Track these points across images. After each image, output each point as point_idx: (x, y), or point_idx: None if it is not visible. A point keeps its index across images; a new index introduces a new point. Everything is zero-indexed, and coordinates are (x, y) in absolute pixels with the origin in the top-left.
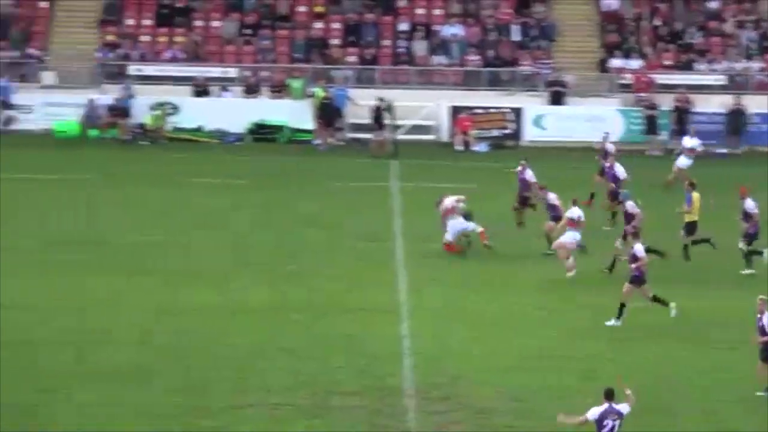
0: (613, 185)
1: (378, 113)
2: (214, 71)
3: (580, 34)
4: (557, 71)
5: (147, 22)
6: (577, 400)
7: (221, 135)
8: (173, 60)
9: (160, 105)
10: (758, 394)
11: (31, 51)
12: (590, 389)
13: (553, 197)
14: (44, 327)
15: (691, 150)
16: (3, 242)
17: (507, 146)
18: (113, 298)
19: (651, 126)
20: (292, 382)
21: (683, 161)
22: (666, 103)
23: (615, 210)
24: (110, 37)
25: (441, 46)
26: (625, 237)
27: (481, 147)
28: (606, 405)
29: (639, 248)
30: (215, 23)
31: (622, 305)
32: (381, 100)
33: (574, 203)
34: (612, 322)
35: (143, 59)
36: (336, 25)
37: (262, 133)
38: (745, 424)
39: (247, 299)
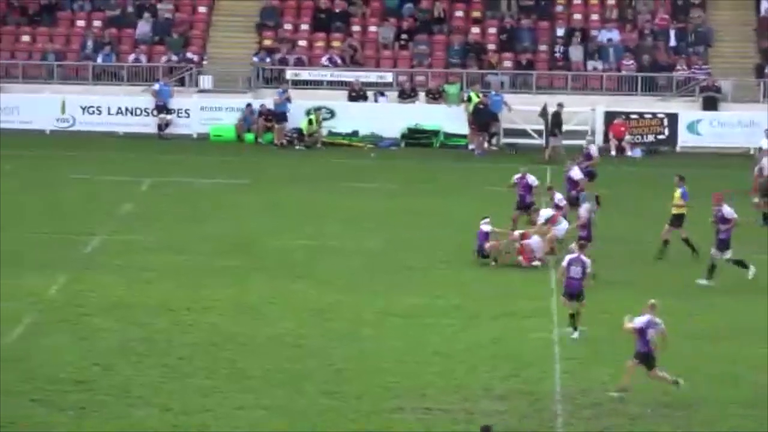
0: (572, 190)
1: (557, 119)
2: (371, 76)
3: (737, 39)
4: (712, 76)
5: (304, 26)
6: (730, 411)
7: (376, 140)
8: (330, 65)
9: (316, 109)
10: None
11: (189, 55)
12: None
13: (559, 198)
14: (193, 328)
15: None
16: (155, 245)
17: (661, 152)
18: (265, 302)
19: None
20: (444, 387)
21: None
22: None
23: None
24: (267, 42)
25: (597, 51)
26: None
27: (635, 152)
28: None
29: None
30: (372, 28)
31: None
32: (560, 105)
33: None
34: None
35: (300, 64)
36: (492, 30)
37: (417, 138)
38: None
39: (398, 303)
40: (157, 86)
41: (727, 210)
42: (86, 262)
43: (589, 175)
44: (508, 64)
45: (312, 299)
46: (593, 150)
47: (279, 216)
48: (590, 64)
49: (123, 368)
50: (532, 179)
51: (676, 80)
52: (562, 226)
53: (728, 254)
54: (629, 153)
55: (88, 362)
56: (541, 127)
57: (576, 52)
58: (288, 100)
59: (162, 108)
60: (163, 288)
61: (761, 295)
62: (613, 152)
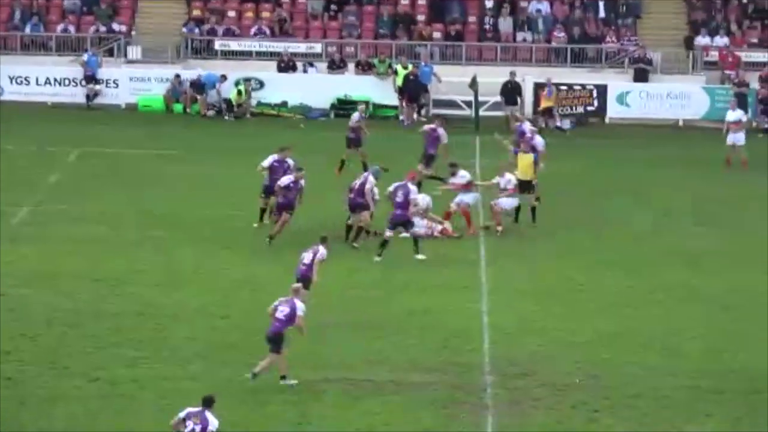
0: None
1: (507, 89)
2: (300, 47)
3: (667, 11)
4: (642, 48)
5: None
6: (653, 376)
7: (305, 110)
8: (259, 35)
9: (245, 80)
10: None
11: (118, 26)
12: (672, 366)
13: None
14: (121, 299)
15: (736, 123)
16: (85, 216)
17: (591, 123)
18: (192, 272)
19: (740, 104)
20: (371, 358)
21: (732, 137)
22: (752, 80)
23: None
24: (196, 12)
25: (526, 23)
26: None
27: (564, 124)
28: None
29: None
30: None
31: None
32: (512, 74)
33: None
34: None
35: (229, 34)
36: (422, 1)
37: (346, 108)
38: None
39: (327, 274)
40: (85, 57)
41: (413, 191)
42: (13, 233)
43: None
44: (437, 35)
45: (238, 270)
46: (526, 128)
47: (207, 187)
48: (520, 35)
49: (50, 339)
50: (442, 132)
51: (606, 52)
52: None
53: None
54: (558, 124)
55: (15, 333)
56: (471, 98)
57: (505, 24)
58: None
59: (90, 78)
60: (91, 259)
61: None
62: (543, 123)
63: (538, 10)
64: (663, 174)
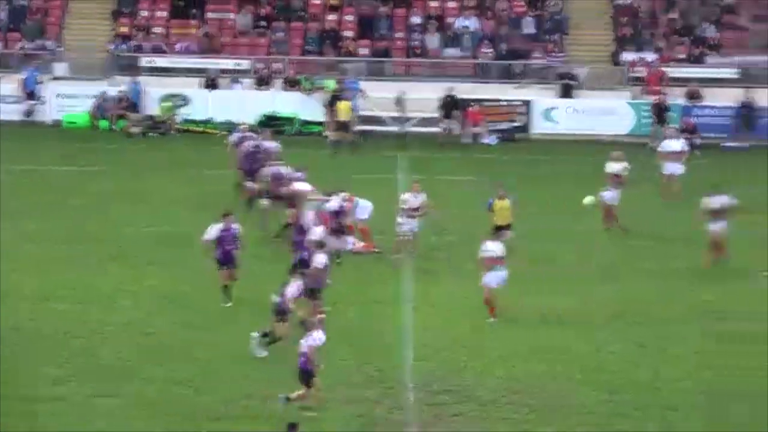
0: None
1: (446, 103)
2: (227, 63)
3: (593, 28)
4: (569, 64)
5: (161, 14)
6: (580, 391)
7: (231, 127)
8: (186, 52)
9: (171, 97)
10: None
11: (45, 42)
12: (592, 381)
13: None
14: (44, 319)
15: (678, 153)
16: (10, 233)
17: (517, 139)
18: (117, 289)
19: (660, 119)
20: (293, 373)
21: (671, 166)
22: (678, 96)
23: None
24: (123, 29)
25: (453, 39)
26: None
27: (490, 140)
28: None
29: None
30: (229, 15)
31: None
32: (449, 89)
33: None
34: None
35: (156, 51)
36: (349, 18)
37: (272, 124)
38: None
39: (252, 291)
40: (25, 74)
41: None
42: None
43: None
44: (364, 51)
45: (163, 287)
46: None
47: (132, 203)
48: (447, 51)
49: None
50: (271, 146)
51: (533, 68)
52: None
53: None
54: (485, 140)
55: None
56: (397, 114)
57: (433, 40)
58: (139, 89)
59: (30, 95)
60: (15, 276)
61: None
62: (468, 139)
63: (465, 26)
64: (588, 190)
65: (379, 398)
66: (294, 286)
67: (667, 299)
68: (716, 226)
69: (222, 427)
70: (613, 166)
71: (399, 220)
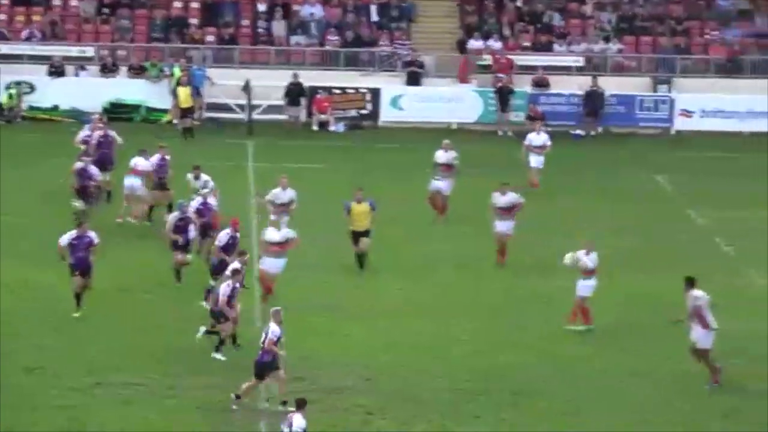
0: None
1: (292, 91)
2: (72, 50)
3: (439, 15)
4: (415, 52)
5: (4, 0)
6: (424, 379)
7: (77, 114)
8: (30, 39)
9: (16, 84)
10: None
11: None
12: (441, 369)
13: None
14: None
15: (541, 147)
16: None
17: (364, 126)
18: None
19: (503, 104)
20: (144, 361)
21: (535, 159)
22: (524, 84)
23: None
24: None
25: (300, 26)
26: None
27: (338, 127)
28: None
29: None
30: (73, 2)
31: None
32: (295, 76)
33: None
34: None
35: None
36: (195, 5)
37: (118, 112)
38: None
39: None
40: None
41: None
42: None
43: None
44: (210, 38)
45: (12, 276)
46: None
47: None
48: (293, 38)
49: None
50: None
51: (379, 55)
52: None
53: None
54: (332, 128)
55: None
56: (244, 101)
57: (279, 27)
58: None
59: None
60: None
61: None
62: (315, 127)
63: (312, 14)
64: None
65: (229, 385)
66: (224, 287)
67: (507, 289)
68: (503, 226)
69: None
70: (443, 155)
71: (272, 217)
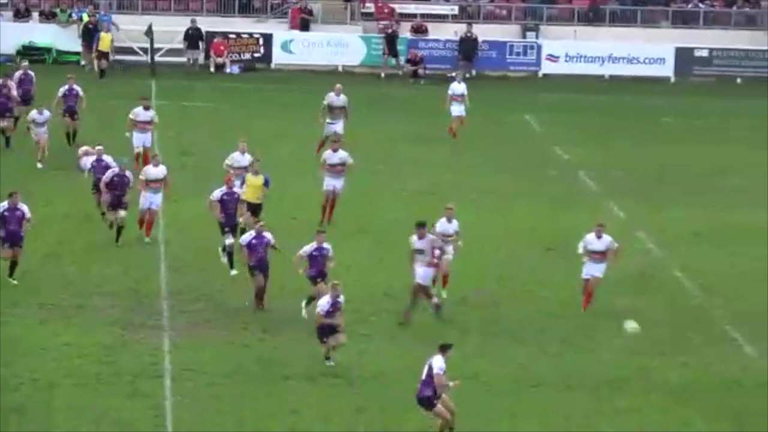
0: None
1: (191, 36)
2: None
3: None
4: (304, 1)
5: None
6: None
7: None
8: None
9: None
10: None
11: None
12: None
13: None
14: None
15: (460, 96)
16: None
17: (257, 69)
18: None
19: (391, 50)
20: (57, 283)
21: (457, 108)
22: (404, 30)
23: None
24: None
25: None
26: None
27: (233, 69)
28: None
29: None
30: None
31: None
32: (193, 21)
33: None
34: None
35: None
36: None
37: (31, 54)
38: None
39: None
40: None
41: None
42: None
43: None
44: None
45: None
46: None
47: None
48: None
49: None
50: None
51: (271, 3)
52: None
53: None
54: (228, 69)
55: None
56: (147, 45)
57: None
58: None
59: None
60: None
61: None
62: (213, 69)
63: None
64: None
65: (133, 306)
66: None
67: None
68: (335, 182)
69: None
70: (336, 99)
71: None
